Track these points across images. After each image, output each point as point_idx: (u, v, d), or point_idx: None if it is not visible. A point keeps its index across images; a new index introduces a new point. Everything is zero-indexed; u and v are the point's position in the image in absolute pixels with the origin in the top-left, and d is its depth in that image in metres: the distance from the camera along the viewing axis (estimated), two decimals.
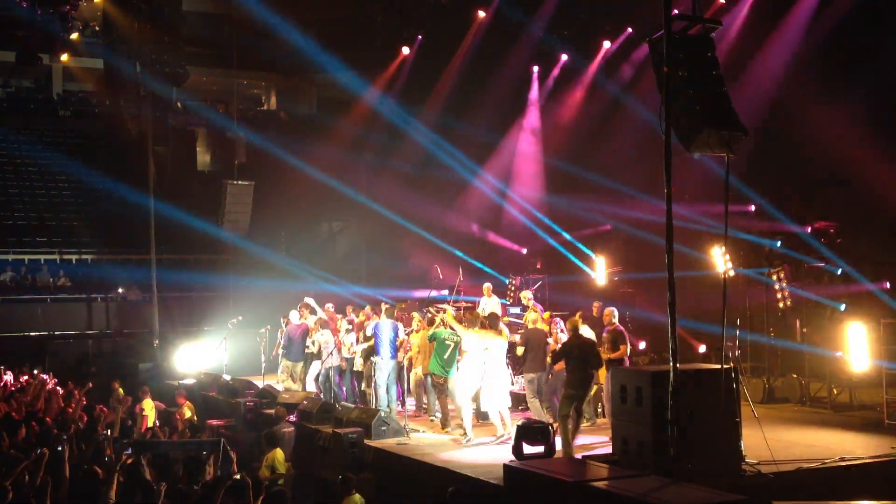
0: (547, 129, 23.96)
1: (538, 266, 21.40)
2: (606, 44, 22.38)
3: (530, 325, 12.64)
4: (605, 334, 12.17)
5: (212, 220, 23.64)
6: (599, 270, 19.89)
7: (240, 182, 22.83)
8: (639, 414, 9.02)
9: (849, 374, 13.49)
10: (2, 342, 21.09)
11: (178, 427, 13.34)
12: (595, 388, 11.69)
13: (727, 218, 9.32)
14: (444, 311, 12.88)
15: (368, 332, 13.84)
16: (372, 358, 13.44)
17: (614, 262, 19.93)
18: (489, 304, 14.91)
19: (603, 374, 11.67)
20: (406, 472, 10.91)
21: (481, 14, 23.37)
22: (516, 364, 13.66)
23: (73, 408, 12.67)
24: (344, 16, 26.30)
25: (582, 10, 22.02)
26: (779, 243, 16.80)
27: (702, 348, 16.36)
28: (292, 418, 13.24)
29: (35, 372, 17.32)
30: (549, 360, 11.96)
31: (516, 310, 16.43)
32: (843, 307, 15.00)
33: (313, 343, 15.25)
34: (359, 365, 14.62)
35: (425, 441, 12.02)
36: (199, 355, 18.76)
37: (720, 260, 14.75)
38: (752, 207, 17.83)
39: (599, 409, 12.87)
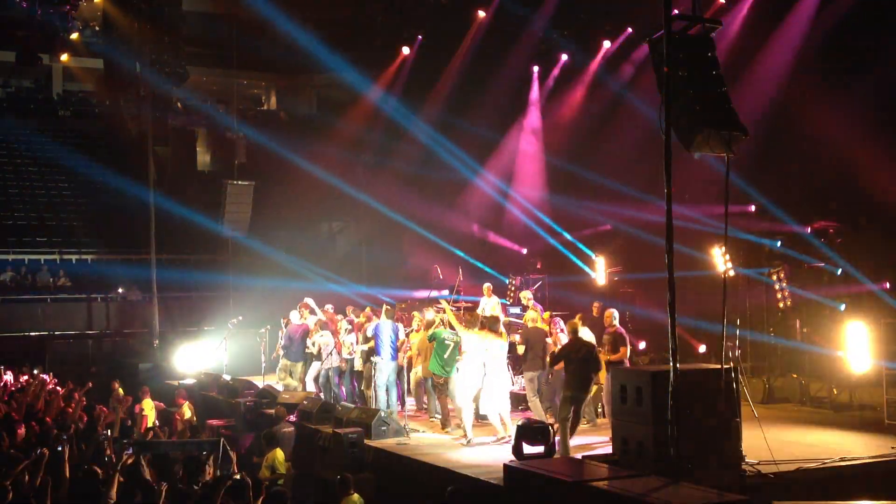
0: (547, 128, 23.96)
1: (538, 266, 21.40)
2: (606, 44, 22.38)
3: (529, 325, 12.65)
4: (605, 336, 12.16)
5: (212, 219, 23.64)
6: (599, 270, 19.88)
7: (240, 182, 22.82)
8: (639, 414, 9.02)
9: (849, 373, 13.48)
10: (2, 342, 21.12)
11: (176, 427, 13.34)
12: (595, 388, 11.68)
13: (727, 218, 9.32)
14: (444, 310, 12.87)
15: (369, 334, 13.83)
16: (372, 358, 13.44)
17: (614, 263, 19.93)
18: (489, 303, 14.90)
19: (603, 374, 11.66)
20: (406, 472, 10.90)
21: (481, 14, 23.37)
22: (517, 364, 13.65)
23: (73, 408, 12.66)
24: (344, 16, 26.30)
25: (582, 10, 22.01)
26: (779, 243, 16.79)
27: (702, 348, 16.36)
28: (292, 418, 13.23)
29: (35, 372, 17.34)
30: (548, 359, 11.96)
31: (516, 310, 16.43)
32: (843, 307, 15.00)
33: (313, 344, 15.25)
34: (358, 365, 14.61)
35: (425, 441, 12.01)
36: (199, 355, 18.75)
37: (720, 260, 14.74)
38: (752, 207, 17.82)
39: (599, 409, 12.87)
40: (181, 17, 24.35)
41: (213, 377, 16.92)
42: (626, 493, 7.52)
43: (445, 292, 17.48)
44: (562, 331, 12.54)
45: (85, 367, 20.65)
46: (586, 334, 11.60)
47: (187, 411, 14.69)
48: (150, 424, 13.84)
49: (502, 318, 13.18)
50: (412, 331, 14.37)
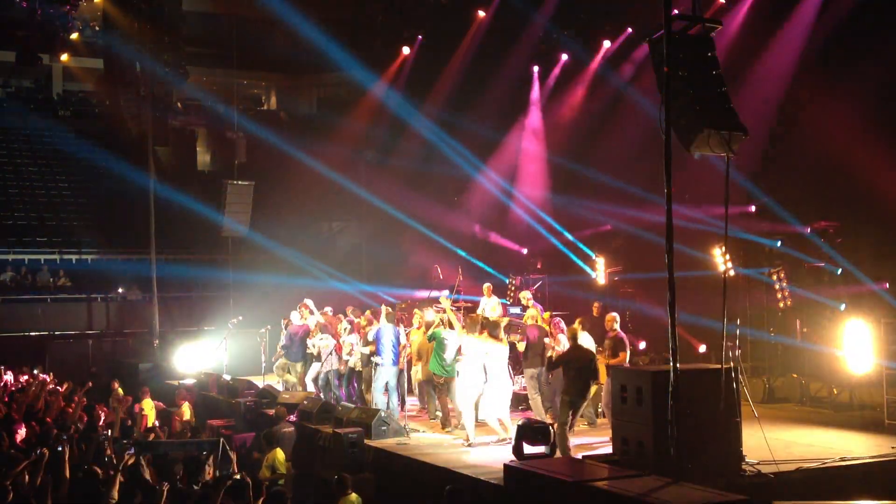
0: (548, 128, 23.94)
1: (538, 266, 21.38)
2: (607, 43, 22.36)
3: (529, 323, 12.64)
4: (606, 341, 12.16)
5: (212, 219, 23.64)
6: (600, 270, 19.88)
7: (240, 182, 22.82)
8: (639, 414, 9.02)
9: (849, 373, 13.48)
10: (2, 342, 21.12)
11: (175, 427, 13.34)
12: (595, 387, 11.67)
13: (727, 218, 9.32)
14: (444, 310, 12.86)
15: (370, 338, 13.73)
16: (373, 358, 13.42)
17: (614, 262, 19.92)
18: (489, 303, 14.89)
19: (603, 376, 11.66)
20: (406, 472, 10.90)
21: (481, 14, 23.36)
22: (518, 364, 13.63)
23: (73, 408, 12.65)
24: (344, 16, 26.32)
25: (582, 9, 22.01)
26: (779, 243, 16.78)
27: (702, 348, 16.34)
28: (292, 418, 13.23)
29: (35, 372, 17.32)
30: (546, 359, 11.97)
31: (516, 310, 16.41)
32: (843, 307, 14.99)
33: (314, 346, 15.24)
34: (358, 365, 14.59)
35: (425, 441, 12.01)
36: (199, 355, 18.75)
37: (720, 260, 14.73)
38: (753, 208, 17.82)
39: (600, 410, 12.86)
40: (181, 16, 24.40)
41: (213, 377, 16.92)
42: (626, 493, 7.52)
43: (445, 292, 17.47)
44: (561, 331, 12.51)
45: (85, 367, 20.65)
46: (586, 340, 11.60)
47: (187, 411, 14.69)
48: (150, 424, 13.83)
49: (504, 321, 13.11)
50: (413, 329, 14.34)
